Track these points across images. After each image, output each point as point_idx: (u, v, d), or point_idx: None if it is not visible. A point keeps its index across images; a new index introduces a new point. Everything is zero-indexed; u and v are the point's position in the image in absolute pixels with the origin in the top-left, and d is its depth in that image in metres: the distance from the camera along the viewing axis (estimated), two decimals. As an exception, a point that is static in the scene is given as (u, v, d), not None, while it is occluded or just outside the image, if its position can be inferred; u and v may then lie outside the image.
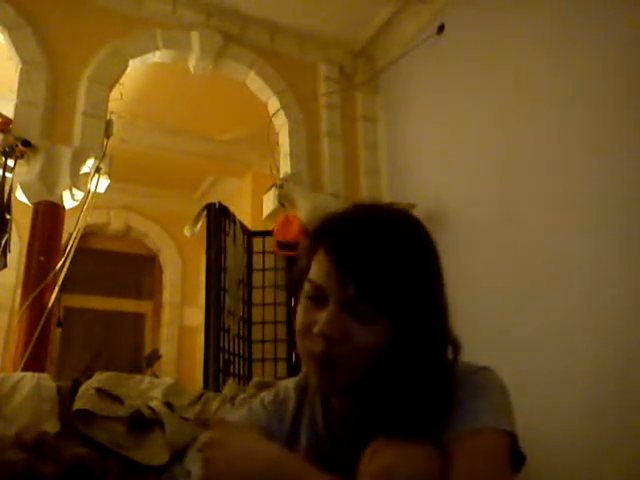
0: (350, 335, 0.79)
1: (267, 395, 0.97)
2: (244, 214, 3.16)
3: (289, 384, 0.98)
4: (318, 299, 0.82)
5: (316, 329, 0.80)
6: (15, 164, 2.73)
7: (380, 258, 0.79)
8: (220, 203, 3.15)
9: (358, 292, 0.78)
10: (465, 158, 2.99)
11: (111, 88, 3.12)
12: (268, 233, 3.29)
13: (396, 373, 0.80)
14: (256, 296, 3.25)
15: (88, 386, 1.96)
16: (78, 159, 2.86)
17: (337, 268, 0.80)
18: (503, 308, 2.60)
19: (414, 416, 0.77)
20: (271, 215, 3.38)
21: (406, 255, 0.81)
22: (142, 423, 1.89)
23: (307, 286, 0.84)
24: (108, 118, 3.03)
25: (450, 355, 0.84)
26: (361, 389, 0.83)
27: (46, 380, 1.98)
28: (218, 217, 3.08)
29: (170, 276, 5.72)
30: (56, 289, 2.66)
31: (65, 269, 2.70)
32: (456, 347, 0.84)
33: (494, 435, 0.76)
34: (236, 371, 2.98)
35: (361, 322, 0.79)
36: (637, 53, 2.18)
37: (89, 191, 2.88)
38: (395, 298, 0.79)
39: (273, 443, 0.78)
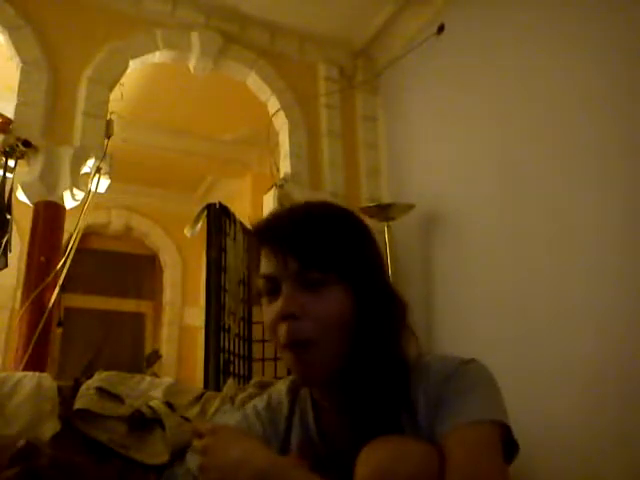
0: (309, 308, 0.82)
1: (260, 402, 0.98)
2: (244, 214, 3.14)
3: (282, 387, 0.98)
4: (273, 291, 0.85)
5: (277, 312, 0.83)
6: (16, 164, 2.73)
7: (311, 228, 0.86)
8: (220, 203, 3.15)
9: (301, 262, 0.83)
10: (465, 158, 2.99)
11: (111, 88, 3.12)
12: (268, 233, 3.28)
13: (365, 352, 0.82)
14: (256, 296, 3.24)
15: (89, 386, 1.96)
16: (79, 159, 2.86)
17: (278, 250, 0.85)
18: (502, 308, 2.60)
19: (384, 400, 0.81)
20: (271, 215, 3.38)
21: (334, 224, 0.88)
22: (143, 423, 1.89)
23: (261, 282, 0.88)
24: (108, 118, 3.03)
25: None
26: (340, 378, 0.84)
27: (47, 380, 1.97)
28: (218, 217, 3.07)
29: (170, 276, 5.72)
30: (57, 289, 2.66)
31: (66, 269, 2.70)
32: (404, 306, 0.90)
33: (487, 427, 0.77)
34: (236, 371, 2.97)
35: (316, 293, 0.83)
36: (638, 52, 2.18)
37: (89, 191, 2.88)
38: (333, 257, 0.84)
39: (267, 449, 0.78)
